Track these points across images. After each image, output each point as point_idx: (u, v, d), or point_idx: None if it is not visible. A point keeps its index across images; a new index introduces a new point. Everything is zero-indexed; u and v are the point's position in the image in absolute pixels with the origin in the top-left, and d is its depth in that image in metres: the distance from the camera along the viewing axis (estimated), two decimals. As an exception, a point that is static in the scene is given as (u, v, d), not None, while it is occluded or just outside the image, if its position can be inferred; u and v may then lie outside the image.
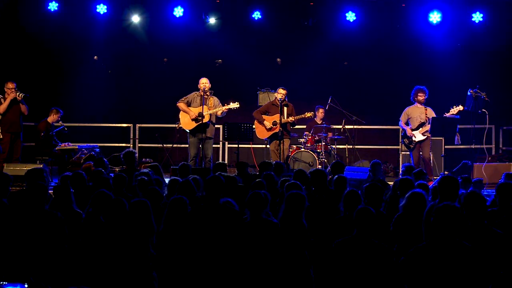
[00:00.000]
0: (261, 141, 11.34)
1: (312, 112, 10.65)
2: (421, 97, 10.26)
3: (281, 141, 10.10)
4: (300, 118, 10.50)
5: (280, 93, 10.29)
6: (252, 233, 4.98)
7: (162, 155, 12.65)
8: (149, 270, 4.97)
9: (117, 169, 9.67)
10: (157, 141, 12.81)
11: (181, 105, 10.22)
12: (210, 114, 10.05)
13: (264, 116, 10.50)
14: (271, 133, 10.44)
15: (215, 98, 10.19)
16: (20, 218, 5.04)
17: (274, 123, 10.37)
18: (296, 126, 10.83)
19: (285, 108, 10.38)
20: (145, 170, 7.26)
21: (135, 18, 12.69)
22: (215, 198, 5.24)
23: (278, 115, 10.21)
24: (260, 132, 10.54)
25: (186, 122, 10.20)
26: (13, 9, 12.42)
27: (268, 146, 10.87)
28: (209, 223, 5.10)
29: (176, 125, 10.47)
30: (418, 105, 10.31)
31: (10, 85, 10.15)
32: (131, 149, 8.80)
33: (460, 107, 9.97)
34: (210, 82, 10.18)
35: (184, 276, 4.98)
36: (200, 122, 9.94)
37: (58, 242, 4.98)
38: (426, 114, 10.17)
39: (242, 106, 10.31)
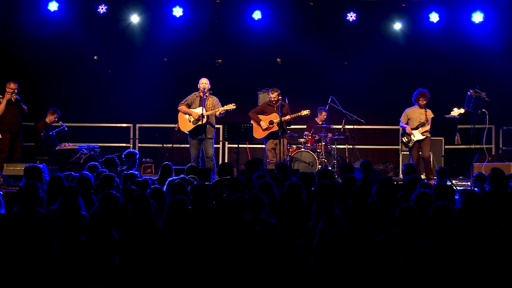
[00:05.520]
0: (258, 141, 11.34)
1: (309, 110, 10.57)
2: (422, 102, 10.21)
3: (281, 141, 10.12)
4: (296, 117, 10.50)
5: (272, 96, 10.38)
6: (252, 233, 5.00)
7: (162, 155, 12.64)
8: (151, 267, 5.03)
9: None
10: (157, 141, 12.82)
11: (182, 108, 10.20)
12: (208, 116, 10.02)
13: (260, 116, 10.52)
14: (267, 132, 10.46)
15: (214, 98, 10.17)
16: (14, 219, 5.00)
17: (270, 123, 10.39)
18: (296, 126, 10.82)
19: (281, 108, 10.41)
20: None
21: (135, 18, 12.70)
22: (203, 203, 5.20)
23: (273, 114, 10.33)
24: (256, 131, 10.55)
25: (183, 124, 10.19)
26: (13, 10, 12.41)
27: (264, 146, 10.87)
28: (204, 226, 5.09)
29: (175, 127, 10.49)
30: (418, 107, 10.30)
31: (12, 85, 10.10)
32: (132, 149, 8.74)
33: (462, 110, 9.92)
34: (210, 82, 10.17)
35: (182, 275, 4.98)
36: (201, 123, 9.92)
37: (48, 242, 4.94)
38: (426, 115, 10.16)
39: (242, 106, 10.31)
